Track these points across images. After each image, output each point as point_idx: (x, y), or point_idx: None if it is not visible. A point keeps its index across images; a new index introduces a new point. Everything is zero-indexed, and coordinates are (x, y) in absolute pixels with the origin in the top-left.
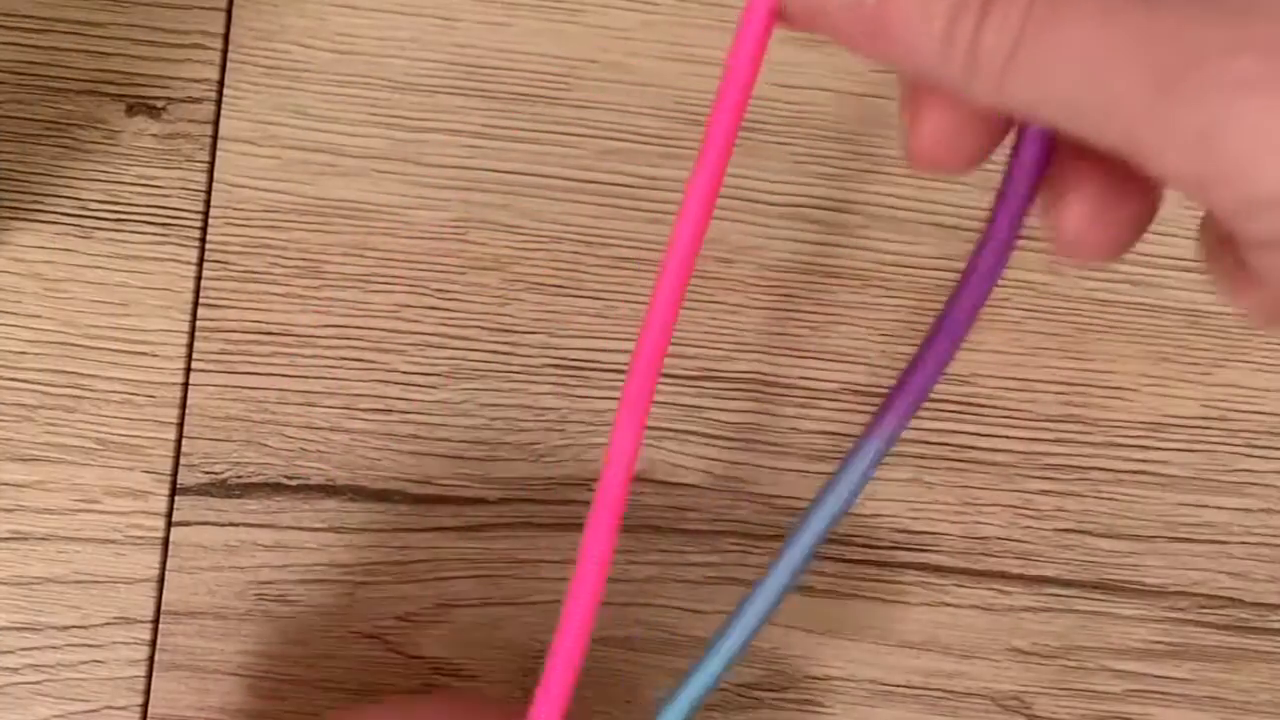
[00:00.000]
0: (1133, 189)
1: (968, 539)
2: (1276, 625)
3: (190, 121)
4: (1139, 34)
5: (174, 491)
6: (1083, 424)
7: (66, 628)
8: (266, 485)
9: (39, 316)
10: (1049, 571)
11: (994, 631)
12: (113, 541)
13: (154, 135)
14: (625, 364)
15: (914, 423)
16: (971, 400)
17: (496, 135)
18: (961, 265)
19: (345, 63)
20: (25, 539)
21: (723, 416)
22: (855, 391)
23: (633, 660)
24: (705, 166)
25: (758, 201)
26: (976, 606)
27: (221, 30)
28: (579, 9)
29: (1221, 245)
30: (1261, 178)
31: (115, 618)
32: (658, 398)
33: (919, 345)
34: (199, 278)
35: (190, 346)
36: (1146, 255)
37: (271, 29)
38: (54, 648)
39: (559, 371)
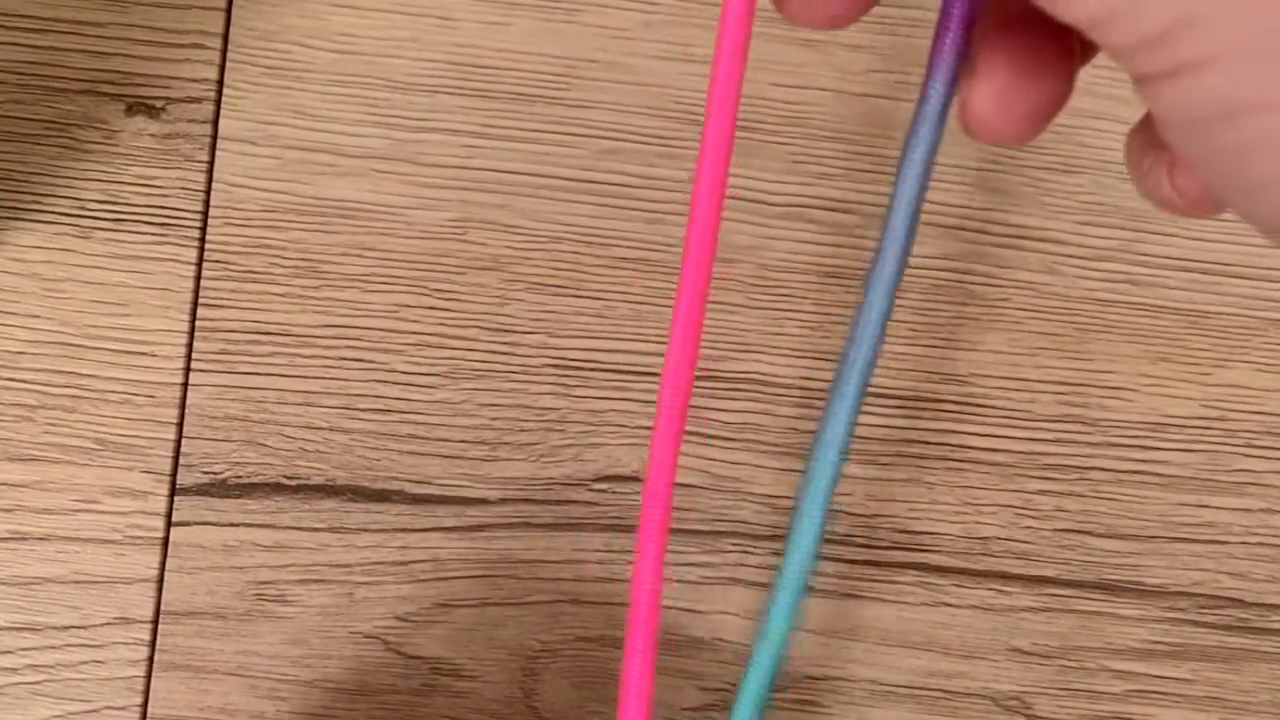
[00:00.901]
0: (1038, 77)
1: (967, 539)
2: (1277, 625)
3: (189, 121)
4: None
5: (173, 492)
6: (1082, 424)
7: (66, 628)
8: (266, 485)
9: (38, 316)
10: (1049, 572)
11: (994, 632)
12: (112, 542)
13: (153, 135)
14: (625, 364)
15: (914, 422)
16: (971, 400)
17: (496, 135)
18: (961, 265)
19: (345, 63)
20: (24, 539)
21: (723, 416)
22: None
23: None
24: (706, 175)
25: (758, 201)
26: (976, 607)
27: (221, 30)
28: (578, 9)
29: (1144, 145)
30: (1149, 13)
31: (114, 618)
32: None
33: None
34: (198, 278)
35: (190, 346)
36: (1146, 255)
37: (271, 29)
38: (53, 648)
39: (559, 371)
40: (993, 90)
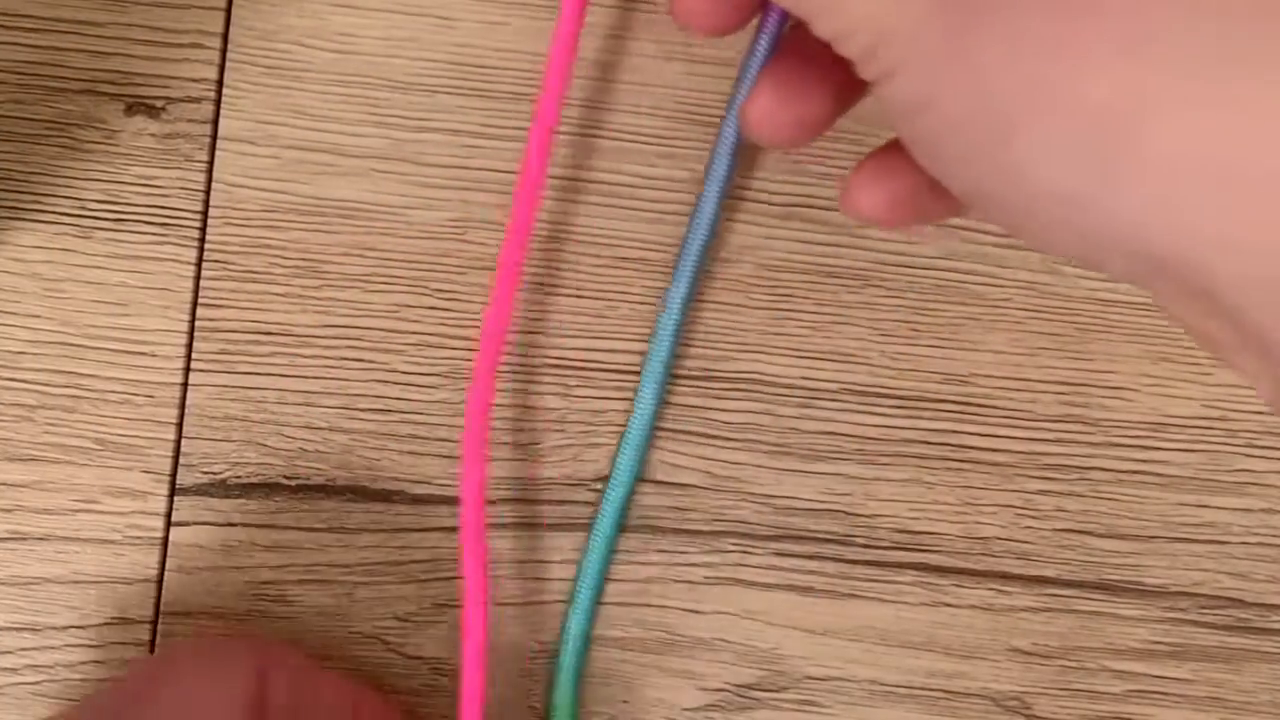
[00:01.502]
0: (801, 98)
1: (968, 539)
2: (1277, 625)
3: (189, 121)
4: None
5: (173, 491)
6: (1083, 424)
7: (65, 628)
8: (265, 485)
9: (38, 316)
10: (1049, 572)
11: (994, 632)
12: (112, 542)
13: (153, 135)
14: (625, 364)
15: (914, 422)
16: (971, 400)
17: (496, 135)
18: (962, 265)
19: (345, 62)
20: (24, 539)
21: (723, 416)
22: (855, 391)
23: (633, 660)
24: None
25: (758, 201)
26: (976, 607)
27: (221, 30)
28: None
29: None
30: (864, 31)
31: (114, 618)
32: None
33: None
34: (198, 278)
35: (189, 346)
36: None
37: (271, 29)
38: (53, 648)
39: (559, 371)
40: (762, 102)
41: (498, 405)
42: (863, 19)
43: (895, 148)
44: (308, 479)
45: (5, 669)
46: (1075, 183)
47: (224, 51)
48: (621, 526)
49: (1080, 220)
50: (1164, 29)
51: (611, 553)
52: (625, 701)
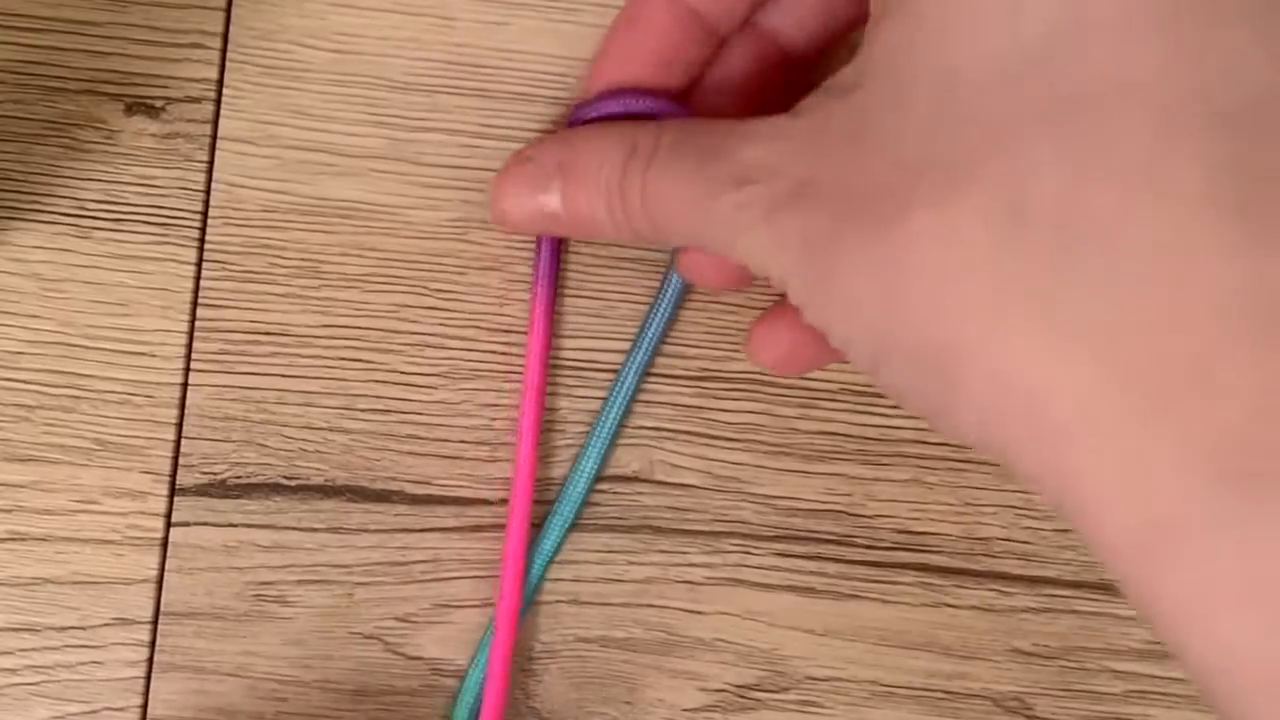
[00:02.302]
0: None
1: (968, 539)
2: None
3: (189, 121)
4: (692, 188)
5: (173, 492)
6: None
7: (65, 628)
8: (265, 486)
9: (37, 317)
10: (1050, 572)
11: (994, 632)
12: (111, 542)
13: (153, 135)
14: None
15: (914, 422)
16: None
17: (496, 135)
18: None
19: (345, 62)
20: (23, 540)
21: (723, 416)
22: (855, 391)
23: (633, 660)
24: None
25: None
26: (977, 607)
27: (220, 30)
28: (577, 8)
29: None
30: (760, 264)
31: (114, 619)
32: (658, 397)
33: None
34: (198, 278)
35: (189, 347)
36: None
37: (271, 29)
38: (52, 649)
39: (559, 371)
40: (692, 253)
41: (497, 405)
42: (759, 268)
43: (775, 314)
44: (307, 479)
45: (5, 669)
46: (933, 398)
47: (224, 51)
48: (574, 526)
49: (947, 426)
50: (969, 267)
51: (556, 552)
52: (627, 703)
